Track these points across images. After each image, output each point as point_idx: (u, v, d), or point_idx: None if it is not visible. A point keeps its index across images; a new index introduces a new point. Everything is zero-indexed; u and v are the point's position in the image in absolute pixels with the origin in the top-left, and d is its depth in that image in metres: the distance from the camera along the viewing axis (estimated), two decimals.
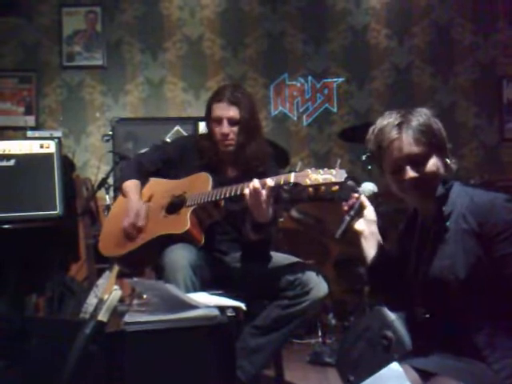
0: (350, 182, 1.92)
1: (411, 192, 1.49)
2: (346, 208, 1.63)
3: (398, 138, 1.46)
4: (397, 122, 1.47)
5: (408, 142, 1.45)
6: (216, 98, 2.27)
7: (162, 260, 2.09)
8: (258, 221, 2.06)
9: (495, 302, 1.40)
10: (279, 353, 2.32)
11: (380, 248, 1.63)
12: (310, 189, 1.91)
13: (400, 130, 1.46)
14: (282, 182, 2.00)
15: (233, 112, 2.22)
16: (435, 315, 1.47)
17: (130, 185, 2.35)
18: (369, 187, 1.69)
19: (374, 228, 1.63)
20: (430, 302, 1.49)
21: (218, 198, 2.12)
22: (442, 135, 1.50)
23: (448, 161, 1.49)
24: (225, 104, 2.22)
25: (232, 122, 2.22)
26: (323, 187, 1.89)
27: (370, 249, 1.62)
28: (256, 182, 2.00)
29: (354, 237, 1.65)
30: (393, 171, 1.49)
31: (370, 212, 1.64)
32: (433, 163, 1.46)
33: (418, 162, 1.46)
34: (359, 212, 1.63)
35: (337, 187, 1.88)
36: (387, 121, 1.49)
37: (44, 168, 3.36)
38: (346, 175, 1.87)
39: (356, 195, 1.65)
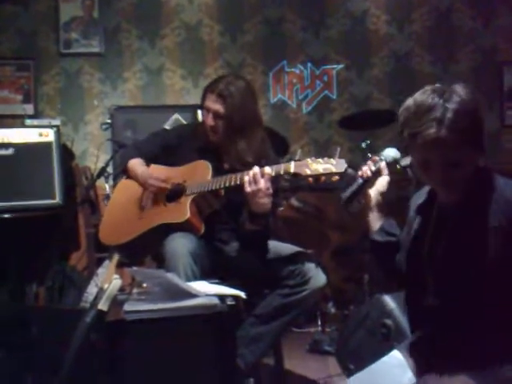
0: (350, 171, 1.89)
1: (438, 187, 1.41)
2: (360, 172, 1.53)
3: (435, 136, 1.31)
4: (435, 116, 1.32)
5: (443, 142, 1.31)
6: (210, 87, 2.26)
7: (162, 249, 2.09)
8: (254, 211, 2.04)
9: None
10: (279, 341, 2.33)
11: (387, 223, 1.54)
12: (310, 178, 1.91)
13: (439, 126, 1.31)
14: (281, 172, 1.99)
15: (218, 106, 2.19)
16: (450, 306, 1.39)
17: (136, 162, 2.34)
18: (391, 153, 1.53)
19: (382, 200, 1.53)
20: (445, 293, 1.40)
21: (217, 187, 2.12)
22: (481, 123, 1.35)
23: (482, 149, 1.36)
24: (214, 96, 2.21)
25: (216, 115, 2.21)
26: (323, 177, 1.88)
27: (376, 221, 1.54)
28: (256, 169, 2.00)
29: (356, 218, 1.57)
30: (421, 165, 1.38)
31: (383, 182, 1.52)
32: (466, 163, 1.34)
33: (451, 162, 1.33)
34: (373, 178, 1.52)
35: (337, 177, 1.87)
36: (427, 104, 1.33)
37: (43, 157, 3.35)
38: (346, 165, 1.85)
39: (376, 158, 1.54)
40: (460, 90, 1.36)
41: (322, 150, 3.97)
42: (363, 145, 3.37)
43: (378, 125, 3.46)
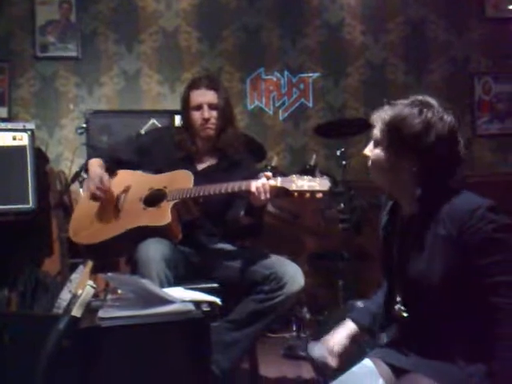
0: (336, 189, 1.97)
1: None
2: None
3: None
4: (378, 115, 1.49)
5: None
6: (193, 85, 2.31)
7: (135, 254, 2.08)
8: (254, 204, 2.06)
9: (471, 311, 1.36)
10: (254, 347, 2.34)
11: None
12: (296, 194, 1.95)
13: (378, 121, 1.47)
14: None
15: (212, 97, 2.27)
16: (414, 315, 1.45)
17: (94, 162, 2.37)
18: (313, 352, 1.64)
19: (348, 344, 1.60)
20: (409, 302, 1.46)
21: (199, 195, 2.13)
22: (408, 139, 1.40)
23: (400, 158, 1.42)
24: (203, 90, 2.28)
25: (212, 106, 2.27)
26: (308, 194, 1.93)
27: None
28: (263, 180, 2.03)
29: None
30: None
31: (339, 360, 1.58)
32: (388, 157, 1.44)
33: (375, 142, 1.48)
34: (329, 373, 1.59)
35: (321, 195, 1.93)
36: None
37: (16, 160, 3.31)
38: (329, 184, 1.93)
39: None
40: (429, 109, 1.41)
41: (298, 157, 4.01)
42: (338, 152, 3.41)
43: (353, 133, 3.51)
